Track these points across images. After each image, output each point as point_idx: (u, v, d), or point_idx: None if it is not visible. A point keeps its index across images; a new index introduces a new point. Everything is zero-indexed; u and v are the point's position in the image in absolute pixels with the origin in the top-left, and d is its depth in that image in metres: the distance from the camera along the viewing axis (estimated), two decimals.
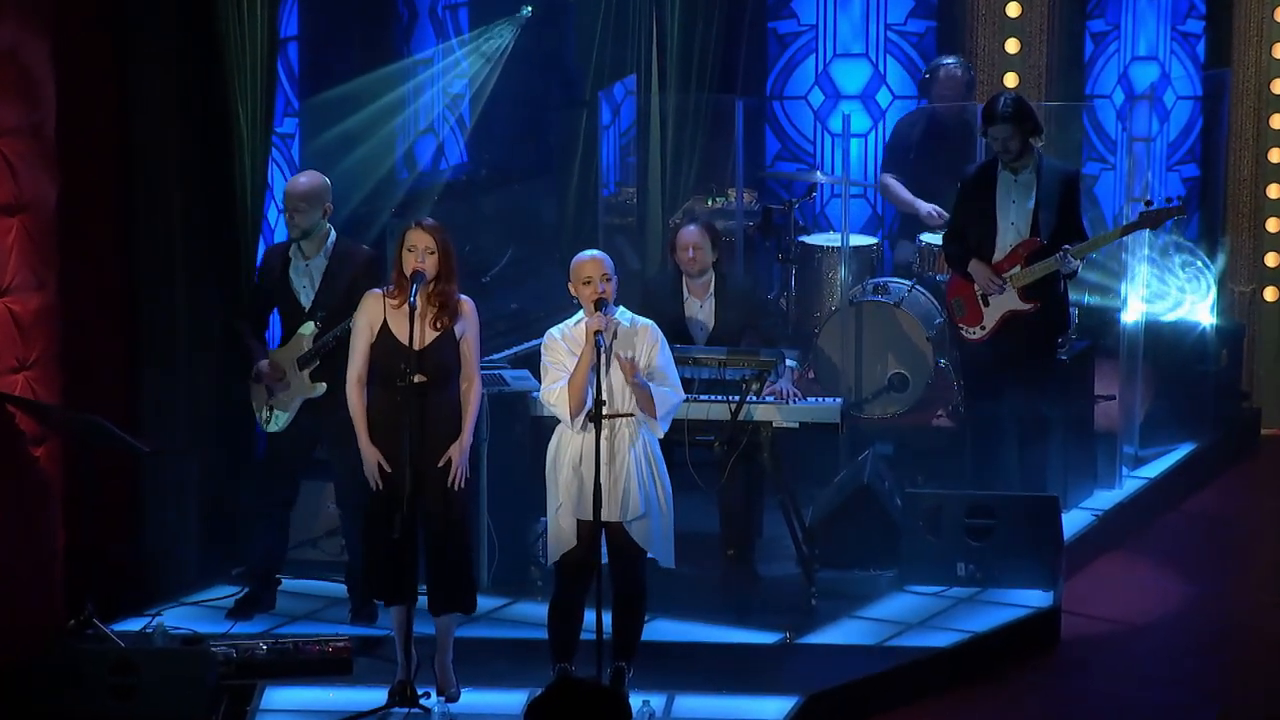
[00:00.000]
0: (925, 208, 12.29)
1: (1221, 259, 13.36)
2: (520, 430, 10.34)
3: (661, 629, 9.73)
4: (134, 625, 9.81)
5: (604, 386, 8.74)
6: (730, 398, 10.07)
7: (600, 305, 8.82)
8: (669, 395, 8.94)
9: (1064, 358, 11.35)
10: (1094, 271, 12.04)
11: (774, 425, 10.15)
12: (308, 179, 9.93)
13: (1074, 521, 11.23)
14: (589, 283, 8.87)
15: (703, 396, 10.03)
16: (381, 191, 11.57)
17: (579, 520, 8.90)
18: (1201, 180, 14.12)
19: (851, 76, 14.15)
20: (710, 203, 13.00)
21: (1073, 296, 11.40)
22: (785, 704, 9.11)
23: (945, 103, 12.65)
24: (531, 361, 9.74)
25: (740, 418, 10.08)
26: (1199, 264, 12.93)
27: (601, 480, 8.69)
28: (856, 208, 13.85)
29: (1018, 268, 10.83)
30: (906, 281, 12.21)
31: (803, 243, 12.57)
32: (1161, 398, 12.63)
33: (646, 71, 12.75)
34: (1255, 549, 11.85)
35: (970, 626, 9.98)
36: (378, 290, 9.07)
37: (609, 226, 12.86)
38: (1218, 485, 12.57)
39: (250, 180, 10.26)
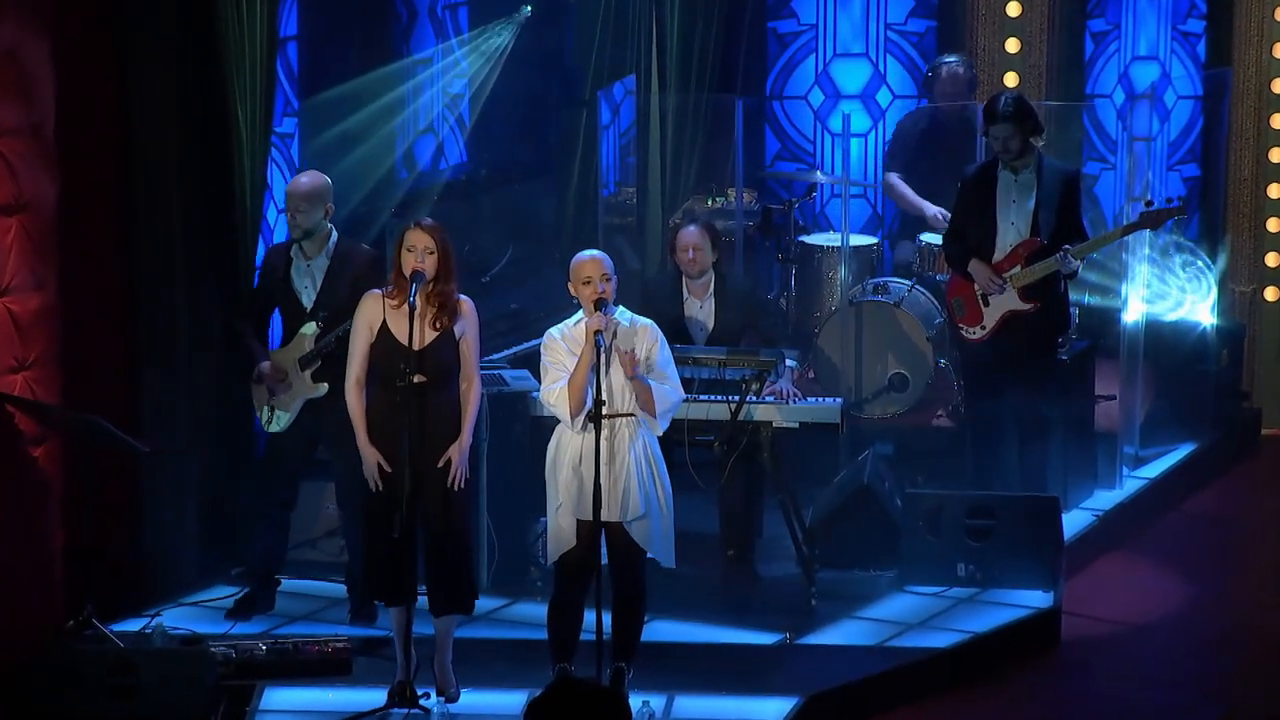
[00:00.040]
0: (931, 210, 12.24)
1: (1222, 259, 13.35)
2: (520, 430, 10.33)
3: (661, 629, 9.72)
4: (133, 625, 9.80)
5: (604, 386, 8.73)
6: (730, 398, 10.07)
7: (600, 305, 8.82)
8: (669, 394, 8.94)
9: (1064, 358, 11.35)
10: (1094, 271, 12.04)
11: (774, 425, 10.15)
12: (309, 179, 9.92)
13: (1074, 522, 11.22)
14: (589, 283, 8.86)
15: (702, 396, 10.03)
16: (381, 191, 11.56)
17: (579, 520, 8.89)
18: (1202, 180, 14.12)
19: (851, 76, 14.14)
20: (710, 203, 13.00)
21: (1073, 296, 11.39)
22: (785, 704, 9.10)
23: (948, 101, 12.64)
24: (531, 361, 9.73)
25: (740, 418, 10.07)
26: (1199, 264, 12.92)
27: (601, 480, 8.69)
28: (856, 208, 13.85)
29: (1018, 268, 10.83)
30: (906, 281, 12.20)
31: (803, 243, 12.57)
32: (1162, 398, 12.63)
33: (646, 71, 12.74)
34: (1256, 549, 11.85)
35: (970, 627, 9.97)
36: (377, 291, 9.06)
37: (609, 226, 12.85)
38: (1218, 485, 12.56)
39: (250, 180, 10.25)
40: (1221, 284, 13.14)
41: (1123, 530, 11.55)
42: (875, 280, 12.27)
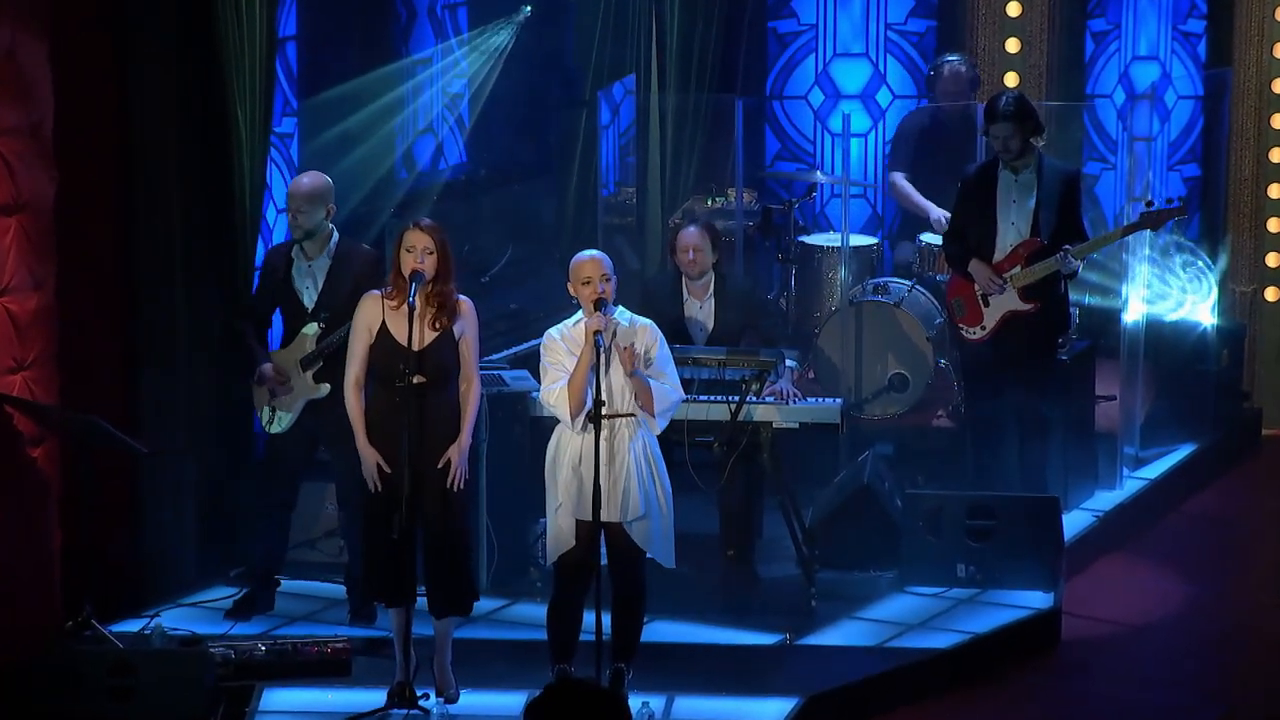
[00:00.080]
0: (936, 213, 12.19)
1: (1222, 259, 13.34)
2: (519, 431, 10.32)
3: (661, 630, 9.71)
4: (132, 626, 9.79)
5: (603, 387, 8.72)
6: (730, 398, 10.06)
7: (599, 305, 8.81)
8: (669, 393, 8.93)
9: (1064, 358, 11.34)
10: (1095, 272, 12.03)
11: (774, 426, 10.14)
12: (310, 179, 9.91)
13: (1074, 522, 11.22)
14: (588, 283, 8.85)
15: (702, 397, 10.02)
16: (381, 192, 11.56)
17: (578, 521, 8.88)
18: (1202, 180, 14.11)
19: (851, 76, 14.14)
20: (710, 203, 12.99)
21: (1073, 297, 11.39)
22: (785, 705, 9.09)
23: (950, 100, 12.63)
24: (531, 362, 9.73)
25: (740, 418, 10.07)
26: (1200, 264, 12.91)
27: (601, 481, 8.68)
28: (856, 208, 13.84)
29: (1018, 268, 10.82)
30: (906, 281, 12.19)
31: (803, 243, 12.56)
32: (1162, 398, 12.62)
33: (646, 71, 12.74)
34: (1256, 549, 11.84)
35: (970, 628, 9.96)
36: (376, 291, 9.05)
37: (608, 226, 12.84)
38: (1219, 486, 12.55)
39: (249, 180, 10.24)
40: (1222, 284, 13.13)
41: (1123, 531, 11.54)
42: (875, 280, 12.26)
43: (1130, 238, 11.48)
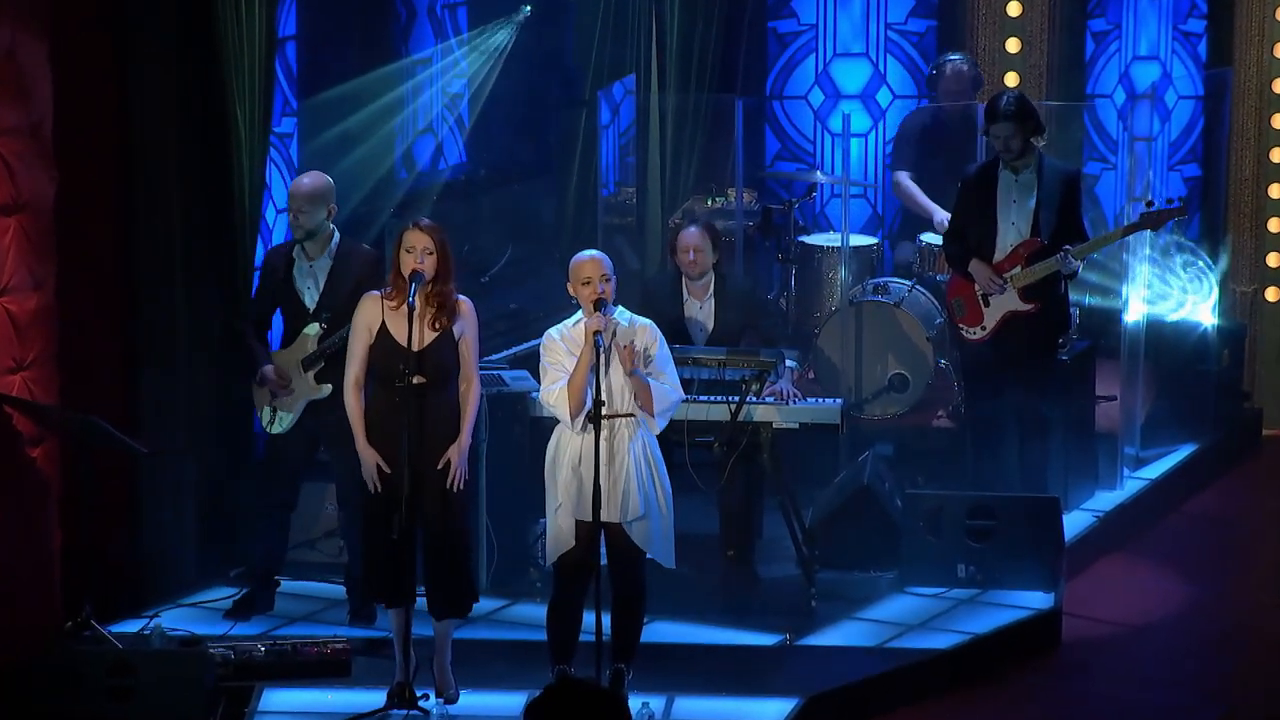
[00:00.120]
0: (940, 215, 12.16)
1: (1223, 259, 13.34)
2: (519, 431, 10.31)
3: (661, 630, 9.71)
4: (132, 626, 9.79)
5: (603, 387, 8.72)
6: (730, 398, 10.05)
7: (599, 305, 8.80)
8: (668, 393, 8.92)
9: (1065, 358, 11.33)
10: (1095, 272, 12.03)
11: (774, 426, 10.14)
12: (311, 180, 9.90)
13: (1075, 523, 11.21)
14: (588, 283, 8.85)
15: (702, 397, 10.02)
16: (380, 192, 11.56)
17: (578, 521, 8.88)
18: (1203, 180, 14.10)
19: (851, 76, 14.13)
20: (710, 203, 12.98)
21: (1073, 297, 11.38)
22: (785, 706, 9.09)
23: (952, 99, 12.62)
24: (530, 362, 9.72)
25: (740, 418, 10.06)
26: (1200, 264, 12.91)
27: (601, 481, 8.67)
28: (856, 208, 13.83)
29: (1018, 268, 10.81)
30: (906, 281, 12.18)
31: (803, 243, 12.55)
32: (1163, 398, 12.61)
33: (646, 71, 12.73)
34: (1257, 550, 11.83)
35: (971, 628, 9.96)
36: (376, 292, 9.04)
37: (608, 226, 12.84)
38: (1219, 486, 12.55)
39: (249, 180, 10.24)
40: (1222, 284, 13.12)
41: (1123, 531, 11.54)
42: (875, 280, 12.25)
43: (1131, 238, 11.48)
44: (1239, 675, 10.03)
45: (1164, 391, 12.63)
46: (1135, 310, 12.07)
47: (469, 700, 9.13)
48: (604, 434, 8.73)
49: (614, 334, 8.85)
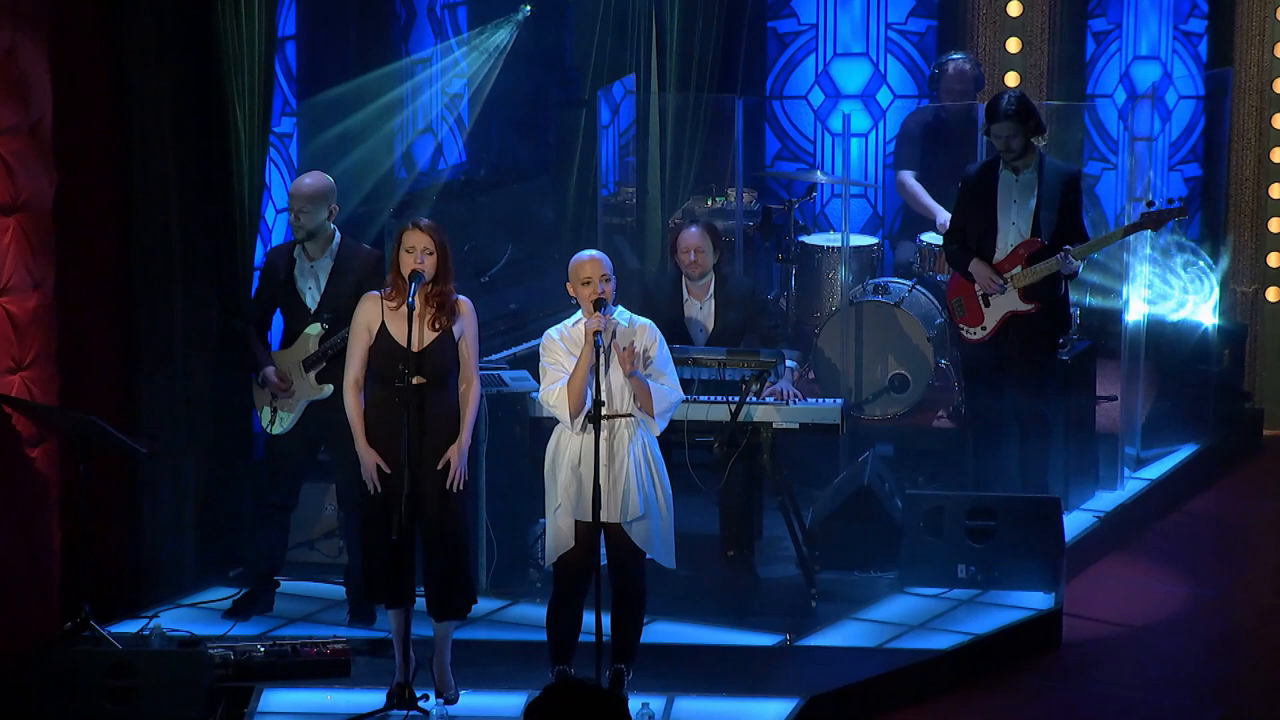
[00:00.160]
0: (943, 216, 12.13)
1: (1224, 259, 13.33)
2: (519, 431, 10.31)
3: (661, 631, 9.70)
4: (131, 627, 9.78)
5: (603, 387, 8.71)
6: (730, 398, 10.05)
7: (599, 306, 8.79)
8: (668, 394, 8.92)
9: (1065, 358, 11.33)
10: (1095, 272, 12.02)
11: (774, 426, 10.13)
12: (312, 180, 9.89)
13: (1075, 523, 11.21)
14: (588, 283, 8.84)
15: (702, 397, 10.01)
16: (380, 192, 11.54)
17: (578, 521, 8.87)
18: (1203, 180, 14.10)
19: (852, 76, 14.12)
20: (710, 202, 12.97)
21: (1074, 297, 11.38)
22: (785, 706, 9.08)
23: (953, 98, 12.61)
24: (530, 362, 9.72)
25: (740, 418, 10.05)
26: (1201, 264, 12.90)
27: (601, 481, 8.67)
28: (856, 208, 13.83)
29: (1019, 268, 10.80)
30: (907, 281, 12.18)
31: (803, 243, 12.54)
32: (1163, 398, 12.61)
33: (646, 70, 12.72)
34: (1257, 550, 11.83)
35: (971, 629, 9.95)
36: (375, 292, 9.03)
37: (608, 226, 12.83)
38: (1220, 486, 12.55)
39: (248, 180, 10.23)
40: (1223, 284, 13.12)
41: (1124, 532, 11.53)
42: (875, 280, 12.25)
43: (1131, 238, 11.47)
44: (1239, 676, 10.03)
45: (1165, 392, 12.63)
46: (1136, 310, 12.07)
47: (469, 701, 9.12)
48: (604, 434, 8.73)
49: (614, 334, 8.84)
